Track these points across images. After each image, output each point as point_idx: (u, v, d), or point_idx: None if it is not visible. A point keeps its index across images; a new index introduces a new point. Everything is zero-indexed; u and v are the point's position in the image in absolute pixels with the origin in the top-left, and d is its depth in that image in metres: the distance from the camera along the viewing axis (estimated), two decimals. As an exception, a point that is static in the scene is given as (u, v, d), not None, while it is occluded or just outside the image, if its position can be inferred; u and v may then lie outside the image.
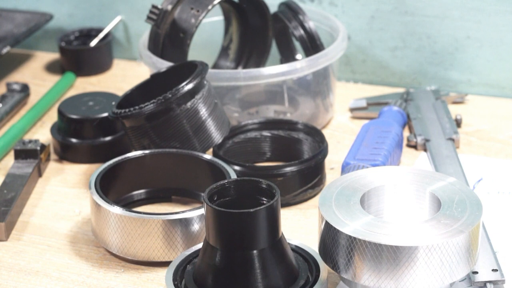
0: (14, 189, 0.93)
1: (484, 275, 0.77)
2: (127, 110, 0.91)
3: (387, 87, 1.20)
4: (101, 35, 1.28)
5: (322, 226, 0.73)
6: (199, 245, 0.76)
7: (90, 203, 0.85)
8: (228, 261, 0.71)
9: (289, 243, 0.76)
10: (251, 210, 0.70)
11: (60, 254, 0.86)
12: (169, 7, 1.02)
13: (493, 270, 0.77)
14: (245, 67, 1.16)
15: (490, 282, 0.76)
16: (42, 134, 1.09)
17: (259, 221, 0.70)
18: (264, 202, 0.72)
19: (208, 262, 0.72)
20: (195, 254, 0.77)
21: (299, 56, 1.15)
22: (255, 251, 0.71)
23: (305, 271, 0.74)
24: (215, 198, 0.73)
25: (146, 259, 0.82)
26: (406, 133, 1.06)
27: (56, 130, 1.05)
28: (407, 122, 1.08)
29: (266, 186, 0.73)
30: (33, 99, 1.17)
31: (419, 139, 1.02)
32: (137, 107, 0.91)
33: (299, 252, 0.77)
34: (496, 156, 1.01)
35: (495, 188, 0.93)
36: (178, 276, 0.75)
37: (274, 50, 1.16)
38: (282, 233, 0.73)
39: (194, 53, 1.04)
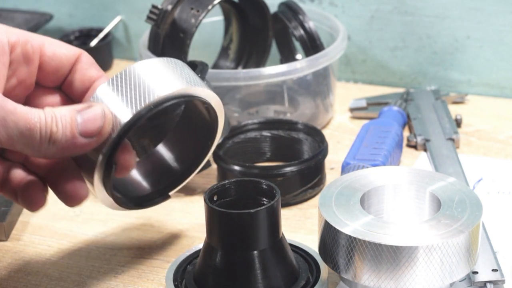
0: (14, 189, 0.93)
1: (484, 275, 0.77)
2: (127, 110, 0.91)
3: (387, 87, 1.20)
4: (101, 35, 1.28)
5: (322, 226, 0.73)
6: (200, 245, 0.76)
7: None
8: (229, 262, 0.71)
9: (289, 243, 0.76)
10: (252, 210, 0.70)
11: (60, 254, 0.86)
12: (169, 7, 1.02)
13: (493, 270, 0.77)
14: (245, 67, 1.16)
15: (490, 282, 0.76)
16: (42, 134, 1.09)
17: (260, 221, 0.70)
18: (265, 202, 0.72)
19: (208, 263, 0.72)
20: (196, 254, 0.77)
21: (299, 56, 1.15)
22: (255, 252, 0.71)
23: (306, 271, 0.74)
24: (215, 199, 0.73)
25: None
26: (406, 133, 1.06)
27: (56, 130, 1.04)
28: (407, 122, 1.08)
29: (267, 187, 0.73)
30: (33, 99, 1.17)
31: (419, 139, 1.02)
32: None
33: (300, 252, 0.77)
34: (496, 156, 1.01)
35: (495, 188, 0.93)
36: (179, 276, 0.75)
37: (274, 50, 1.16)
38: (282, 234, 0.73)
39: (194, 53, 1.04)
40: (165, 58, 0.71)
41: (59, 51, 0.72)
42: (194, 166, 0.79)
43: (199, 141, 0.78)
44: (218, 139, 0.78)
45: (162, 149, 0.81)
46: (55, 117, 0.65)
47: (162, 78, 0.69)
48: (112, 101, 0.67)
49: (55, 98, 0.74)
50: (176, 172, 0.80)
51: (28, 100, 0.74)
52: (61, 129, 0.65)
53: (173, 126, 0.81)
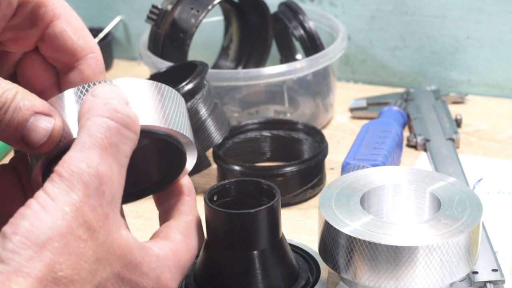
0: (14, 189, 0.93)
1: (484, 275, 0.77)
2: (127, 110, 0.91)
3: (387, 87, 1.20)
4: (101, 35, 1.28)
5: (322, 226, 0.73)
6: (200, 246, 0.76)
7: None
8: (229, 262, 0.71)
9: (289, 243, 0.75)
10: (252, 210, 0.69)
11: (60, 254, 0.86)
12: (169, 7, 1.02)
13: (493, 270, 0.77)
14: (245, 67, 1.16)
15: (490, 282, 0.76)
16: (42, 134, 1.09)
17: (260, 221, 0.70)
18: (265, 202, 0.72)
19: (208, 263, 0.72)
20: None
21: (299, 56, 1.15)
22: (255, 252, 0.70)
23: (306, 271, 0.74)
24: (215, 199, 0.73)
25: None
26: (406, 133, 1.06)
27: (56, 130, 1.04)
28: (407, 122, 1.08)
29: (267, 187, 0.73)
30: (33, 99, 1.17)
31: (419, 139, 1.02)
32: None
33: (300, 252, 0.77)
34: (496, 156, 1.01)
35: (495, 188, 0.93)
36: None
37: (274, 50, 1.16)
38: (282, 234, 0.73)
39: (194, 53, 1.04)
40: (154, 83, 0.64)
41: (66, 35, 0.66)
42: (147, 192, 0.69)
43: (165, 170, 0.69)
44: (181, 177, 0.68)
45: (136, 162, 0.68)
46: (13, 105, 0.59)
47: (135, 105, 0.61)
48: (72, 110, 0.61)
49: (47, 69, 0.69)
50: (134, 188, 0.69)
51: (25, 56, 0.69)
52: (7, 121, 0.59)
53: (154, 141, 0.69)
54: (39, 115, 0.60)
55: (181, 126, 0.63)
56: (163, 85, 0.64)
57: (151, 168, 0.69)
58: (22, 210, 0.53)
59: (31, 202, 0.54)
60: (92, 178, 0.55)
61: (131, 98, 0.61)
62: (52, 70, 0.69)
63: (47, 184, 0.55)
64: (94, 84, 0.61)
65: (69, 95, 0.62)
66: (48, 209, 0.53)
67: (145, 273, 0.58)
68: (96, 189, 0.55)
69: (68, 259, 0.53)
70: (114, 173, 0.56)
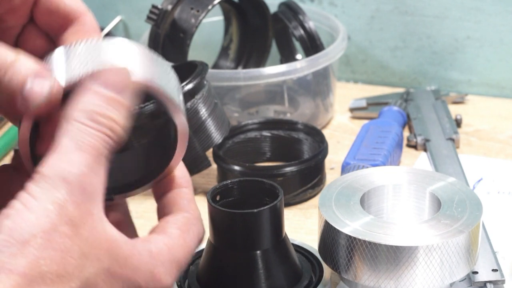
0: (14, 189, 0.93)
1: (484, 275, 0.77)
2: (127, 110, 0.91)
3: (387, 87, 1.20)
4: (101, 35, 1.28)
5: (322, 226, 0.73)
6: (202, 246, 0.76)
7: None
8: (232, 262, 0.71)
9: (292, 243, 0.75)
10: (255, 210, 0.69)
11: (60, 254, 0.86)
12: (169, 7, 1.02)
13: (493, 270, 0.77)
14: (245, 67, 1.16)
15: (490, 282, 0.76)
16: (42, 134, 1.09)
17: (263, 221, 0.70)
18: (268, 202, 0.72)
19: (211, 263, 0.72)
20: (198, 254, 0.77)
21: (299, 56, 1.15)
22: (258, 252, 0.70)
23: (308, 271, 0.74)
24: (218, 199, 0.73)
25: None
26: (406, 133, 1.06)
27: (56, 130, 1.04)
28: (407, 122, 1.08)
29: (270, 186, 0.73)
30: (33, 99, 1.17)
31: (419, 139, 1.02)
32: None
33: (302, 252, 0.77)
34: (496, 156, 1.01)
35: (495, 188, 0.93)
36: (181, 276, 0.75)
37: (274, 50, 1.16)
38: (285, 233, 0.73)
39: (194, 53, 1.04)
40: (153, 54, 0.65)
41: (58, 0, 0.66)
42: (141, 183, 0.69)
43: (156, 160, 0.69)
44: (172, 169, 0.68)
45: (129, 153, 0.71)
46: (13, 66, 0.59)
47: (133, 61, 0.62)
48: (61, 67, 0.61)
49: (44, 38, 0.68)
50: (127, 179, 0.70)
51: (24, 29, 0.68)
52: (6, 81, 0.59)
53: (148, 136, 0.72)
54: (39, 77, 0.59)
55: (173, 93, 0.63)
56: (158, 55, 0.65)
57: (140, 161, 0.70)
58: (5, 211, 0.53)
59: (14, 202, 0.54)
60: (74, 176, 0.55)
61: (125, 56, 0.61)
62: (49, 39, 0.69)
63: (29, 185, 0.55)
64: (87, 41, 0.61)
65: (59, 52, 0.62)
66: (31, 208, 0.53)
67: (136, 267, 0.58)
68: (78, 187, 0.55)
69: (53, 254, 0.53)
70: (94, 170, 0.56)
